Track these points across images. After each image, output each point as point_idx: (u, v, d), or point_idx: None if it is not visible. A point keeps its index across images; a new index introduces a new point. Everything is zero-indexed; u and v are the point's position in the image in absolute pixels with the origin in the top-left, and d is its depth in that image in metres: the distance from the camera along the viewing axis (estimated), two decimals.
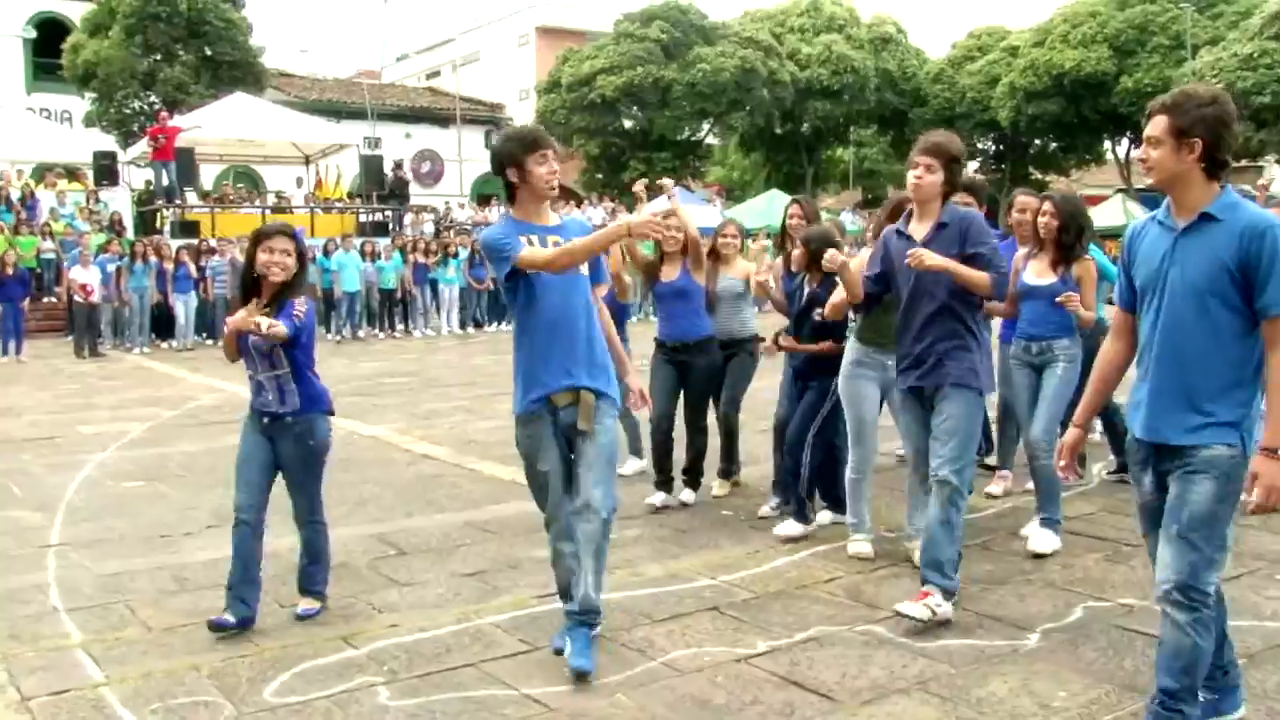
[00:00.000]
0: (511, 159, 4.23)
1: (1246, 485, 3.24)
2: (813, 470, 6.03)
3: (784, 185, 40.49)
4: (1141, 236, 3.47)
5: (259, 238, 4.70)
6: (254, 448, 4.76)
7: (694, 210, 30.11)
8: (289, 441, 4.72)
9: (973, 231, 4.78)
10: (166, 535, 6.45)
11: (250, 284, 4.71)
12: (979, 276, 4.70)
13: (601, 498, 4.20)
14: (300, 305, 4.64)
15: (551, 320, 4.23)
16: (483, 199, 37.38)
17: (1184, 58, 35.86)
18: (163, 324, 18.42)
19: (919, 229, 4.84)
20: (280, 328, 4.48)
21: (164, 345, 18.56)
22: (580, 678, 4.10)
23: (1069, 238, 5.84)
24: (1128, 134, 41.55)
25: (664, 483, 6.82)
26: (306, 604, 4.90)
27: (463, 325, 20.66)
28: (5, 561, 5.92)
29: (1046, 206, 5.99)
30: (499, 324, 20.59)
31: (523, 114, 47.97)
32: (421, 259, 19.71)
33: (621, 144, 41.86)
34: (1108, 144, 44.29)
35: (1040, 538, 5.68)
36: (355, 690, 4.11)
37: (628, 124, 41.97)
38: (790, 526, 6.03)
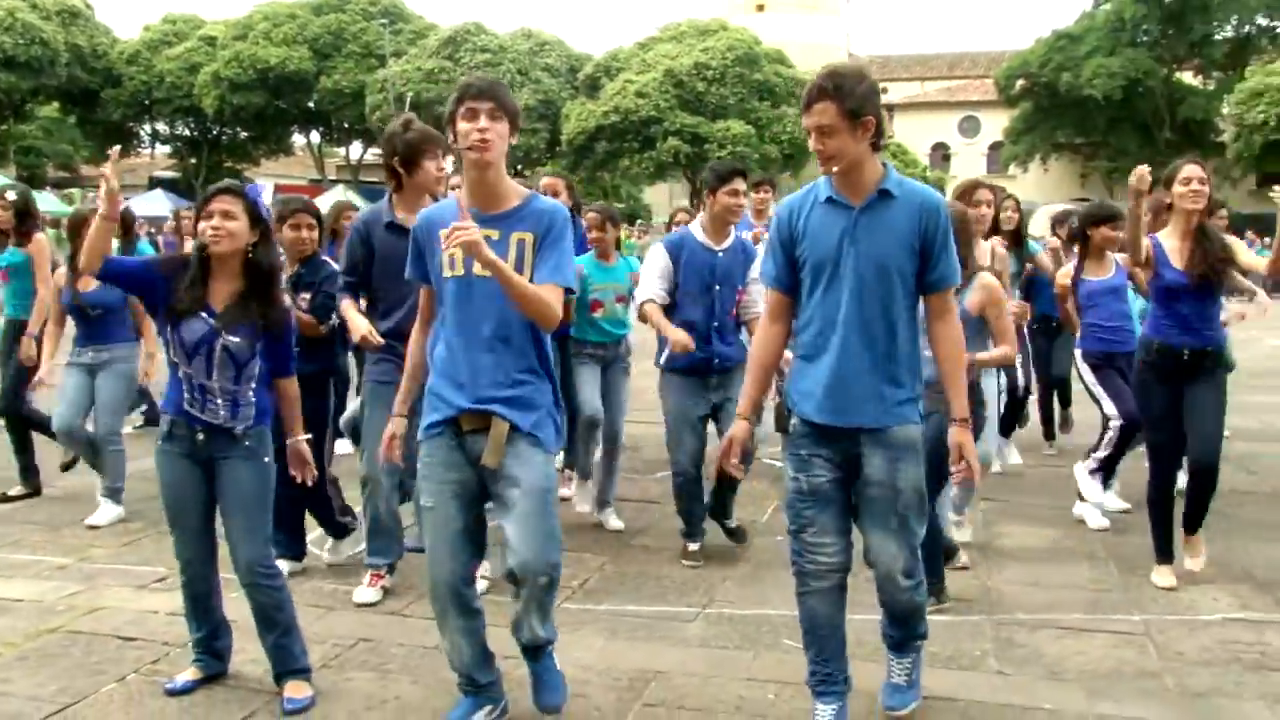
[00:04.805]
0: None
1: (953, 458, 3.34)
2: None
3: None
4: (804, 214, 3.27)
5: (201, 202, 3.58)
6: (183, 482, 3.59)
7: None
8: (236, 462, 3.53)
9: None
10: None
11: (203, 263, 3.55)
12: None
13: (535, 558, 3.22)
14: (295, 322, 3.78)
15: (454, 326, 3.29)
16: None
17: (375, 65, 40.55)
18: None
19: None
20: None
21: None
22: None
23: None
24: (321, 128, 45.52)
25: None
26: (294, 691, 3.65)
27: None
28: None
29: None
30: None
31: None
32: None
33: None
34: (298, 137, 47.81)
35: None
36: None
37: None
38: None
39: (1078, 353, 5.95)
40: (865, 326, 3.20)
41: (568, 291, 3.30)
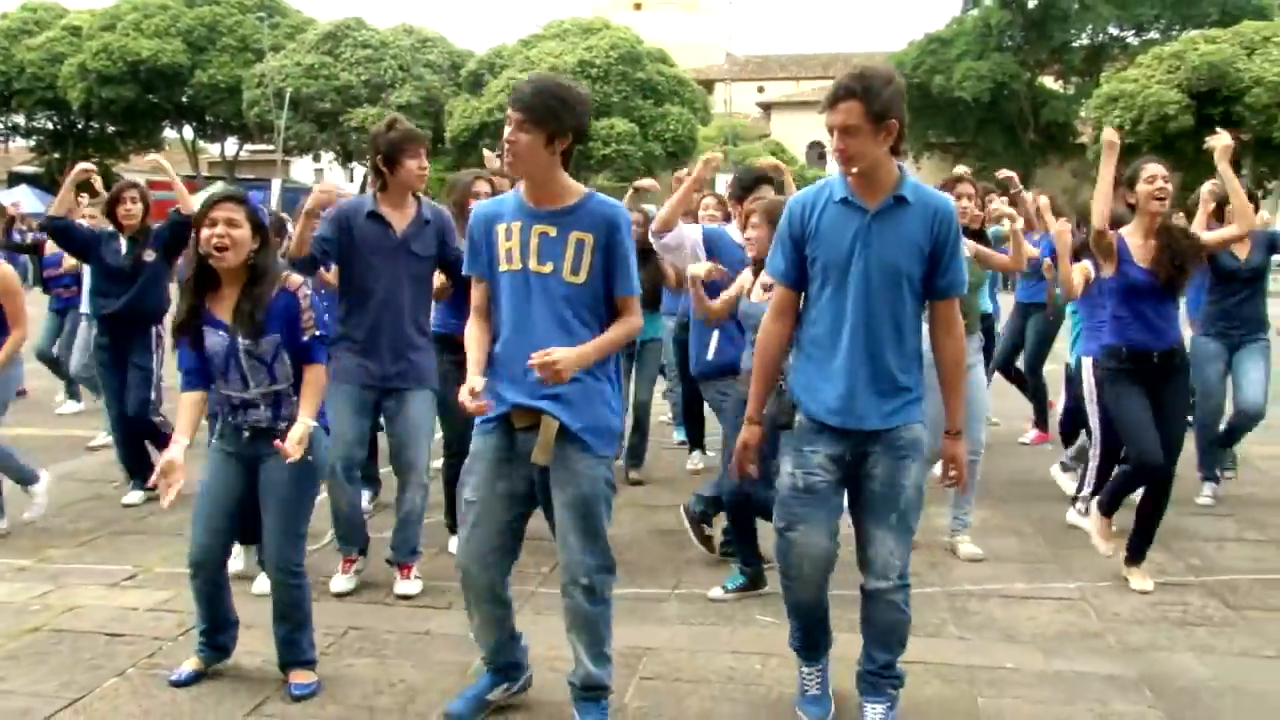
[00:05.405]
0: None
1: (945, 468, 3.41)
2: None
3: None
4: (816, 213, 3.22)
5: (202, 210, 3.60)
6: (224, 477, 3.72)
7: None
8: (278, 461, 3.55)
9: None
10: None
11: (204, 273, 3.62)
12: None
13: (572, 562, 3.24)
14: (305, 303, 3.63)
15: (510, 322, 3.25)
16: None
17: (252, 59, 39.59)
18: None
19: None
20: (302, 432, 3.56)
21: None
22: None
23: None
24: (195, 123, 44.25)
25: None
26: (299, 677, 3.77)
27: None
28: None
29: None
30: None
31: None
32: None
33: None
34: (170, 132, 46.29)
35: None
36: None
37: None
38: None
39: (1087, 361, 5.64)
40: (873, 329, 3.19)
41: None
